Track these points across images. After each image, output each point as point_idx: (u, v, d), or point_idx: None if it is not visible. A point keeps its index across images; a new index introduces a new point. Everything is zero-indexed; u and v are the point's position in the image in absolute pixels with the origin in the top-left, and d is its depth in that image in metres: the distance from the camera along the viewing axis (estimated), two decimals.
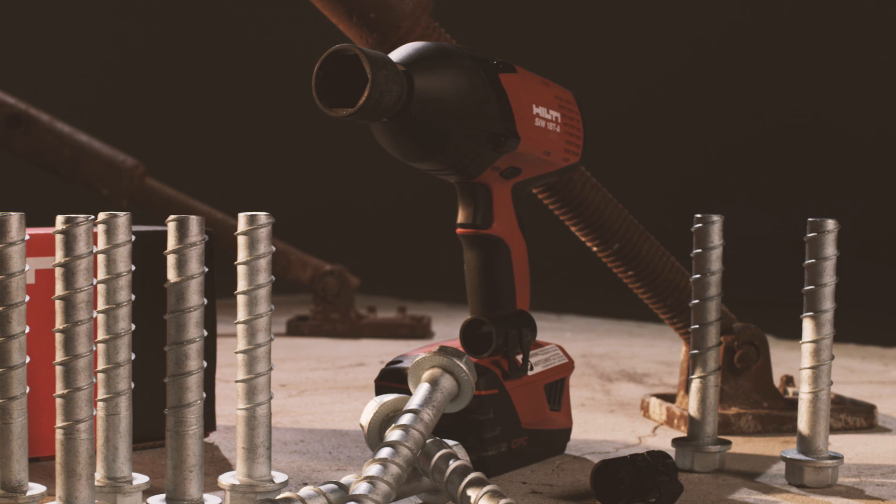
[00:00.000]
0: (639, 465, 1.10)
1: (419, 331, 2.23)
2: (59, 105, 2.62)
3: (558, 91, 1.28)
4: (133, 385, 1.03)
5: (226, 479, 1.05)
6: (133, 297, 1.03)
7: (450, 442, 1.09)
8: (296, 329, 2.24)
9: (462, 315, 2.65)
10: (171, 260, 0.97)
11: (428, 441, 1.04)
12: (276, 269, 2.30)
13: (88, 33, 3.60)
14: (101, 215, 1.02)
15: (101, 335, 1.02)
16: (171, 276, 0.97)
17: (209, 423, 1.32)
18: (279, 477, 1.06)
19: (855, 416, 1.46)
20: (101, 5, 3.61)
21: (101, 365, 1.02)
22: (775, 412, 1.44)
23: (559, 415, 1.28)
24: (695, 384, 1.24)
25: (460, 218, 1.23)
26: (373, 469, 0.97)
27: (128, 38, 3.64)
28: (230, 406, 1.52)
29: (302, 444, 1.32)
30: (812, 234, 1.18)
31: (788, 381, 1.56)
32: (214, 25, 3.69)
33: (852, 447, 1.36)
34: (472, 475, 1.00)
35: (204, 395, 0.99)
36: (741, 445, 1.36)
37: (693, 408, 1.24)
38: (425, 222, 3.47)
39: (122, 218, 1.02)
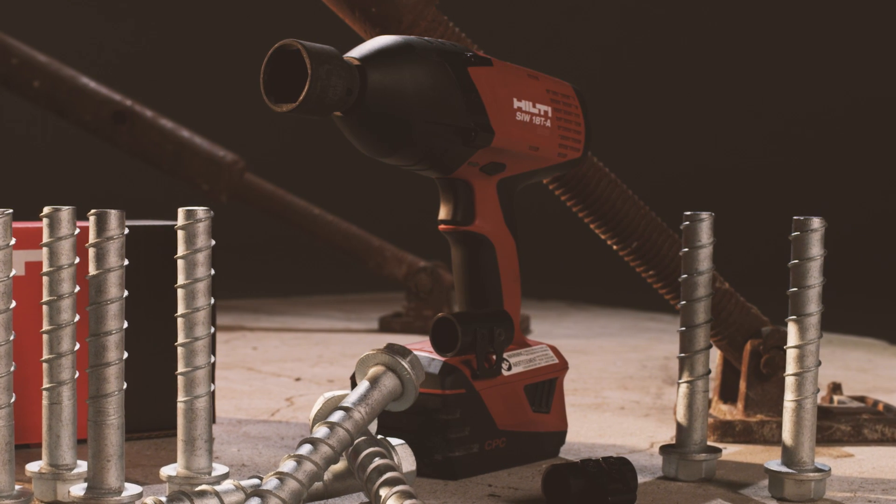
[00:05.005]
0: (589, 471, 1.06)
1: None
2: (163, 100, 2.69)
3: (551, 84, 1.24)
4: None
5: (165, 471, 1.06)
6: (77, 288, 1.05)
7: (394, 441, 1.07)
8: (387, 325, 2.24)
9: (576, 315, 2.61)
10: (91, 253, 0.98)
11: (360, 439, 1.03)
12: (371, 265, 2.31)
13: (195, 31, 3.71)
14: (45, 209, 1.04)
15: (44, 326, 1.04)
16: (91, 268, 0.98)
17: None
18: (219, 469, 1.07)
19: (894, 427, 1.37)
20: (205, 4, 3.71)
21: (44, 355, 1.05)
22: None
23: (548, 417, 1.24)
24: (682, 389, 1.19)
25: (441, 214, 1.21)
26: (287, 465, 0.96)
27: (233, 34, 3.71)
28: (224, 402, 1.52)
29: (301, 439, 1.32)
30: (796, 234, 1.12)
31: (835, 388, 1.48)
32: (315, 21, 3.74)
33: (875, 460, 1.28)
34: (388, 474, 0.98)
35: (125, 385, 0.99)
36: (756, 455, 1.30)
37: (680, 413, 1.19)
38: (563, 220, 3.45)
39: (65, 212, 1.04)
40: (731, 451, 1.31)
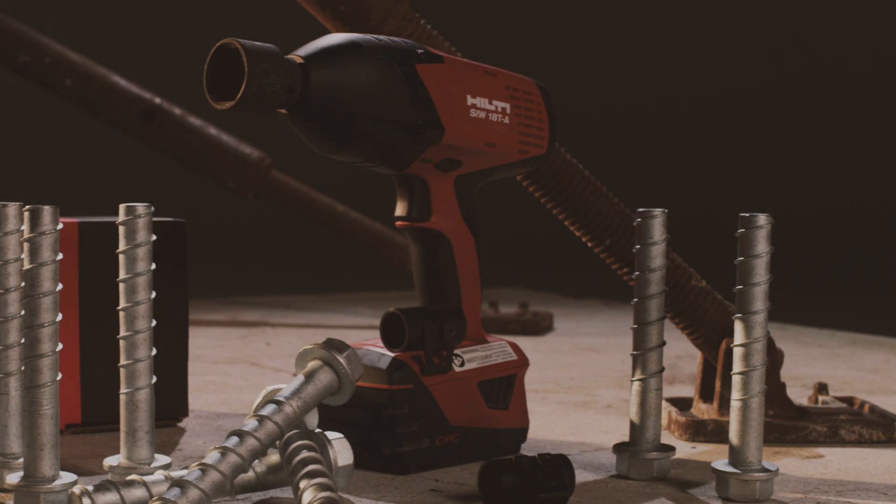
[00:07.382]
0: (524, 467, 1.06)
1: (531, 328, 2.20)
2: (191, 99, 2.73)
3: (510, 81, 1.24)
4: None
5: (108, 461, 1.09)
6: (23, 283, 1.07)
7: (331, 435, 1.08)
8: None
9: (607, 313, 2.60)
10: (25, 247, 1.00)
11: (292, 432, 1.04)
12: (395, 262, 2.32)
13: (223, 29, 3.76)
14: None
15: None
16: (26, 262, 1.00)
17: (181, 409, 1.36)
18: (162, 460, 1.09)
19: (871, 428, 1.35)
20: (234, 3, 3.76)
21: None
22: (778, 421, 1.35)
23: (506, 413, 1.25)
24: (634, 387, 1.18)
25: (397, 210, 1.22)
26: (210, 457, 0.98)
27: (259, 34, 3.75)
28: (211, 395, 1.55)
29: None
30: (742, 230, 1.11)
31: (821, 388, 1.46)
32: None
33: (843, 462, 1.26)
34: (310, 467, 0.99)
35: (60, 376, 1.02)
36: (725, 454, 1.28)
37: (632, 412, 1.19)
38: None
39: (11, 208, 1.07)
40: (700, 451, 1.31)
